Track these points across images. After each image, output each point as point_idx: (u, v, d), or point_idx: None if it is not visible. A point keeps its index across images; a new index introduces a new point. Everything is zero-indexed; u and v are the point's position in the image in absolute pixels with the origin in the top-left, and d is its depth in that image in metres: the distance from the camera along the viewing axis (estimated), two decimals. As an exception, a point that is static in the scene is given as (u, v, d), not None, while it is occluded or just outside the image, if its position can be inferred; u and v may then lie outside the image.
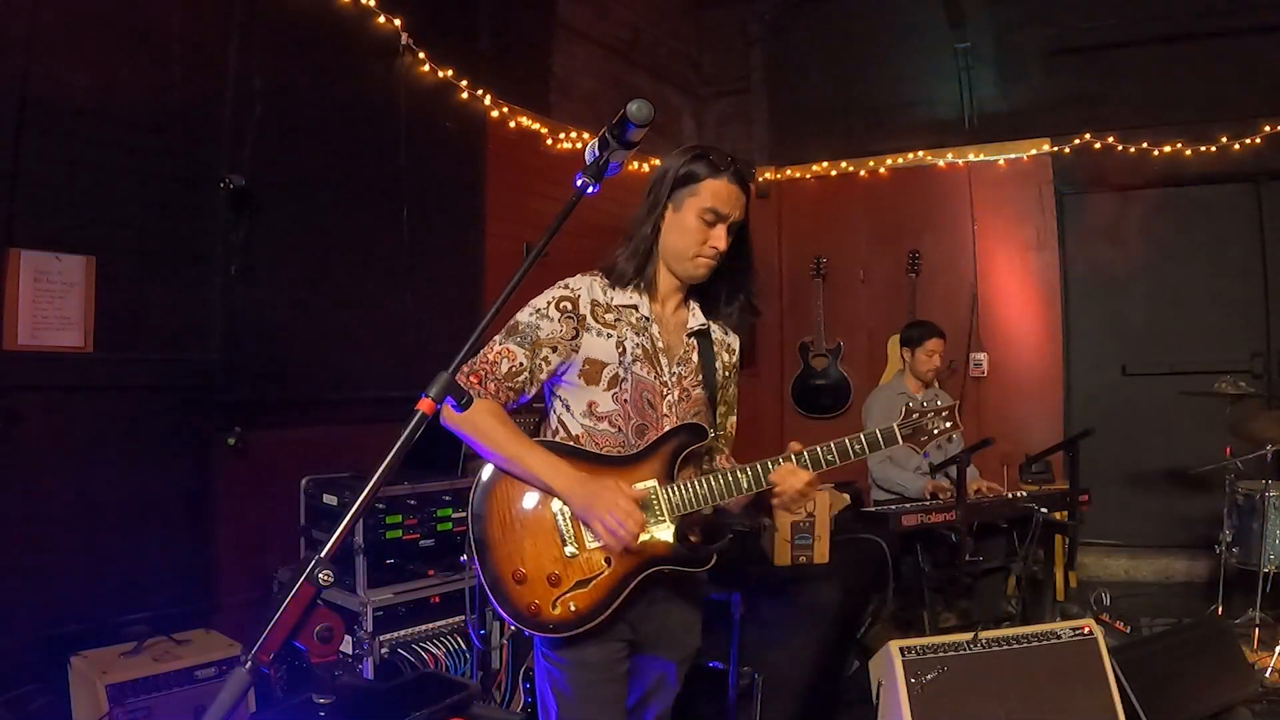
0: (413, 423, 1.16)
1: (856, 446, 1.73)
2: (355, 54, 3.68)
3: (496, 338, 1.72)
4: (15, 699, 2.42)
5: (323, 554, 0.98)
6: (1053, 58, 5.31)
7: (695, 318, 1.86)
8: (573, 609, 1.62)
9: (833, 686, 3.07)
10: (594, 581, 1.63)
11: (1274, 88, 4.77)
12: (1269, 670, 3.35)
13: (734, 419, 1.99)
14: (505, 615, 1.64)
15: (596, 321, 1.74)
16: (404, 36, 3.84)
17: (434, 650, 3.05)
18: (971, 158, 5.45)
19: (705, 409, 1.84)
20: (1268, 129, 4.75)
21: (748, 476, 1.70)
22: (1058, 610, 3.97)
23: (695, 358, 1.84)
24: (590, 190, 1.35)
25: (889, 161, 5.70)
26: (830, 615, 2.91)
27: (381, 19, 3.75)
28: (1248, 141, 4.81)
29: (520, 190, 4.50)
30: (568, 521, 1.65)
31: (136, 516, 2.91)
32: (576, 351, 1.73)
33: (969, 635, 2.64)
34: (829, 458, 1.73)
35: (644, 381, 1.75)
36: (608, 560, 1.64)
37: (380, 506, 2.98)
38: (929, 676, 2.55)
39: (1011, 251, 5.38)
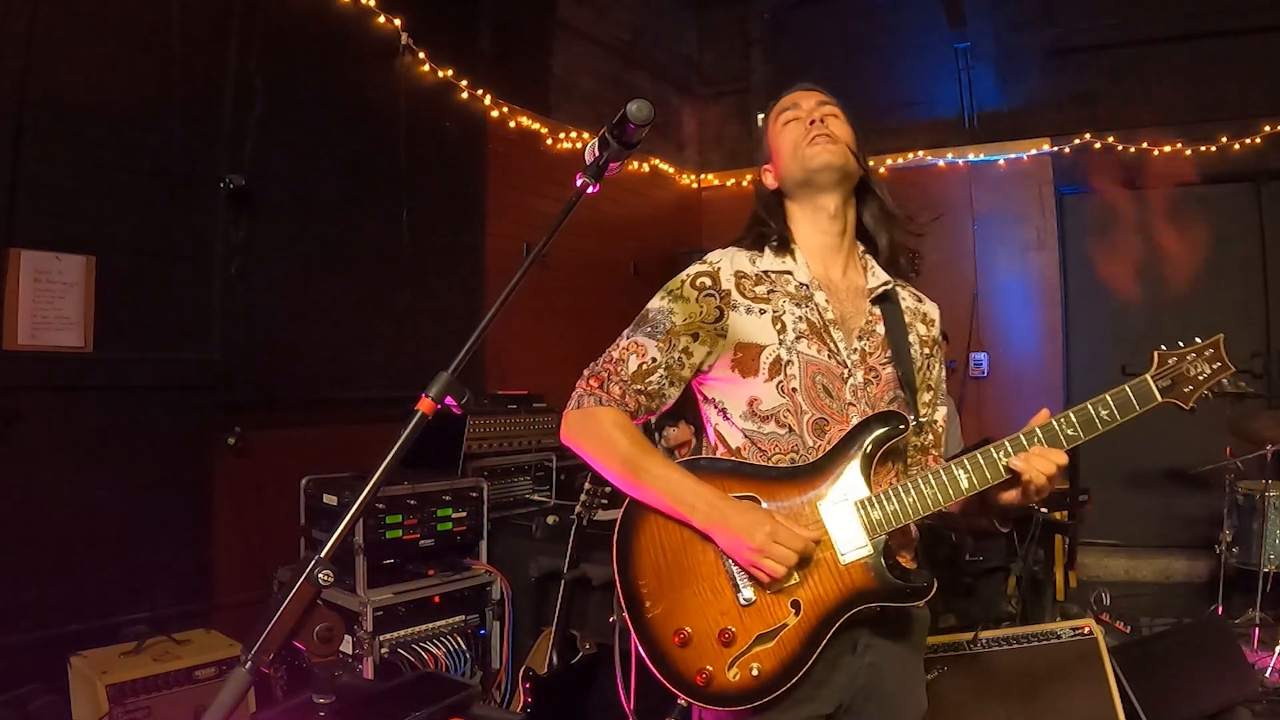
0: (413, 423, 1.16)
1: (1104, 412, 1.32)
2: (355, 54, 3.68)
3: (624, 332, 1.44)
4: (15, 699, 2.42)
5: (323, 554, 0.98)
6: (1053, 58, 5.32)
7: (874, 276, 1.51)
8: (755, 672, 1.26)
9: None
10: (780, 634, 1.27)
11: (1274, 88, 4.77)
12: (1269, 670, 3.35)
13: (944, 410, 1.60)
14: (670, 686, 1.29)
15: (744, 296, 1.42)
16: (404, 36, 3.85)
17: (434, 650, 3.05)
18: (971, 158, 5.45)
19: (902, 392, 1.45)
20: (1268, 129, 4.75)
21: (969, 472, 1.31)
22: (1058, 610, 3.97)
23: (880, 329, 1.47)
24: (590, 190, 1.35)
25: (889, 161, 5.70)
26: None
27: (381, 19, 3.75)
28: (1248, 141, 4.81)
29: (520, 190, 4.50)
30: None
31: (136, 516, 2.91)
32: (724, 336, 1.40)
33: (969, 635, 2.64)
34: (1070, 431, 1.31)
35: (816, 362, 1.40)
36: (795, 606, 1.28)
37: (380, 506, 2.98)
38: (929, 676, 2.55)
39: (1011, 251, 5.38)
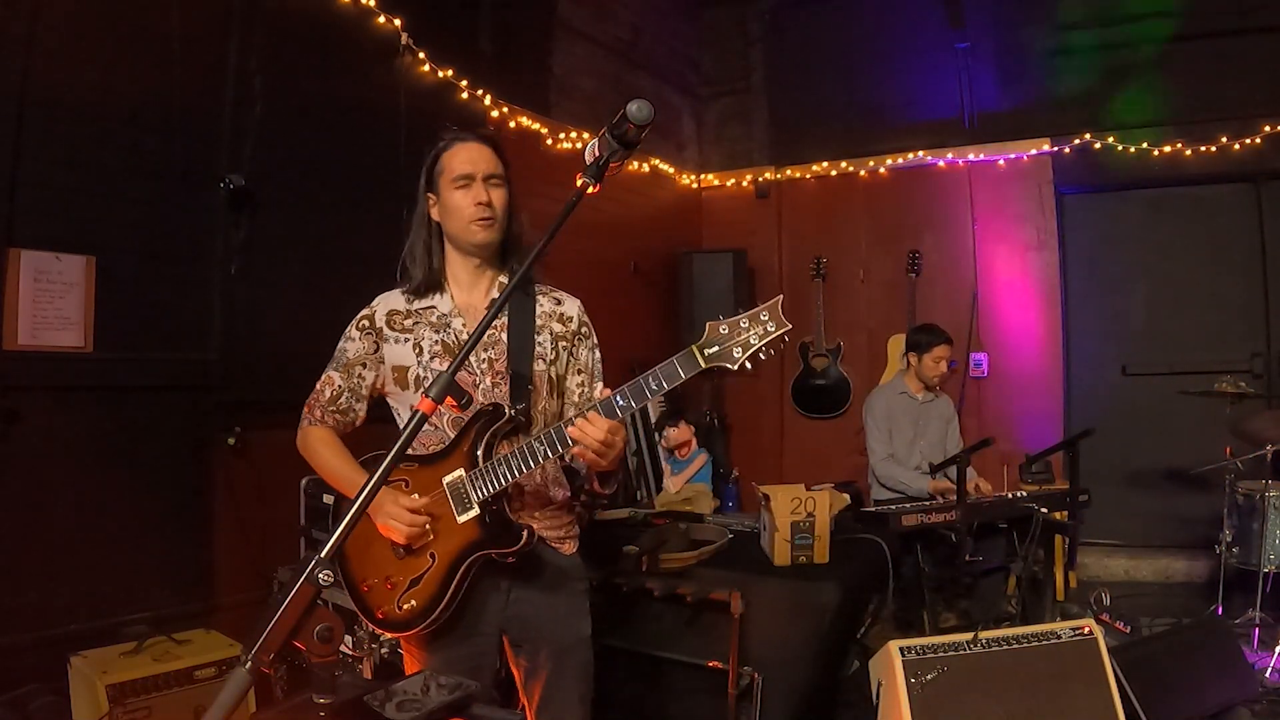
0: (413, 423, 1.16)
1: (653, 383, 1.56)
2: (355, 54, 3.68)
3: (326, 368, 1.89)
4: (15, 699, 2.42)
5: (323, 554, 0.98)
6: (1053, 58, 5.32)
7: (493, 293, 1.88)
8: (413, 605, 1.71)
9: (833, 686, 3.07)
10: (424, 577, 1.71)
11: (1274, 88, 4.77)
12: (1269, 670, 3.35)
13: (600, 385, 1.93)
14: (368, 621, 1.77)
15: (393, 329, 1.85)
16: (404, 36, 3.84)
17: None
18: (971, 158, 5.45)
19: (513, 383, 1.81)
20: (1268, 129, 4.75)
21: (543, 444, 1.65)
22: (1058, 610, 3.97)
23: (504, 337, 1.84)
24: (591, 190, 1.35)
25: (889, 161, 5.70)
26: (830, 615, 2.90)
27: (381, 19, 3.75)
28: (1248, 141, 4.81)
29: (520, 190, 4.47)
30: None
31: (136, 516, 2.90)
32: (383, 363, 1.85)
33: (969, 635, 2.64)
34: (622, 402, 1.59)
35: None
36: (432, 556, 1.71)
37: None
38: (929, 676, 2.55)
39: (1011, 251, 5.38)
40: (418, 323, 1.86)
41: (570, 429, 1.61)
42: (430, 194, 1.89)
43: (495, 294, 1.88)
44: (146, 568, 2.91)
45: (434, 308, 1.87)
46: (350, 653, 2.89)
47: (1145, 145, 5.03)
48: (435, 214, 1.89)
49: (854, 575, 3.10)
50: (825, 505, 3.06)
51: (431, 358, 1.82)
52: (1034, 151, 5.30)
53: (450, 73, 4.10)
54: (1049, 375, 5.30)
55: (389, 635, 1.79)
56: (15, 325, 2.64)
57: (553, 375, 1.88)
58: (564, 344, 1.91)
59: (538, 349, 1.86)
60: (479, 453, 1.71)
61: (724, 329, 1.55)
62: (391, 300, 1.91)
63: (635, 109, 1.27)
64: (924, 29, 5.59)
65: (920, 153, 5.59)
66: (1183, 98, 5.00)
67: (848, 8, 5.89)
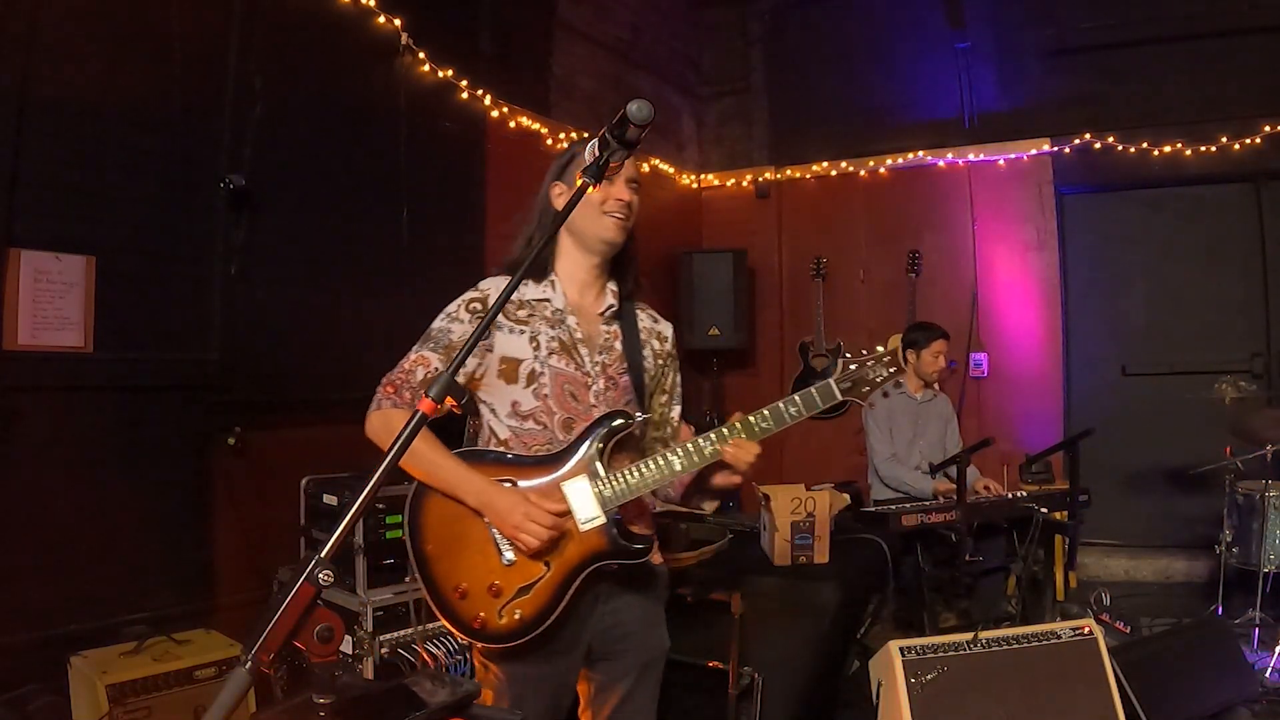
0: (413, 423, 1.16)
1: (792, 409, 1.66)
2: (355, 54, 3.68)
3: (414, 347, 1.74)
4: (15, 699, 2.42)
5: (323, 554, 0.98)
6: (1053, 58, 5.32)
7: (606, 301, 1.83)
8: (519, 616, 1.60)
9: (833, 686, 3.07)
10: (535, 586, 1.60)
11: (1274, 88, 4.77)
12: (1269, 670, 3.35)
13: (679, 408, 1.95)
14: (453, 629, 1.63)
15: (508, 319, 1.73)
16: (404, 36, 3.85)
17: (434, 650, 3.04)
18: (971, 158, 5.45)
19: (635, 397, 1.80)
20: (1268, 129, 4.75)
21: (682, 458, 1.64)
22: (1058, 610, 3.97)
23: (618, 345, 1.81)
24: (591, 190, 1.35)
25: (889, 161, 5.70)
26: (830, 615, 2.90)
27: (381, 19, 3.75)
28: (1248, 141, 4.81)
29: (520, 190, 4.46)
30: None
31: (136, 516, 2.90)
32: (491, 352, 1.72)
33: (969, 635, 2.64)
34: (764, 424, 1.66)
35: (564, 374, 1.72)
36: (547, 564, 1.61)
37: (380, 506, 2.97)
38: (929, 676, 2.55)
39: (1011, 251, 5.38)
40: (533, 314, 1.75)
41: (724, 448, 1.62)
42: (558, 182, 1.81)
43: (609, 301, 1.83)
44: (146, 568, 2.91)
45: (548, 301, 1.77)
46: (350, 653, 2.89)
47: (1145, 145, 5.03)
48: (559, 203, 1.79)
49: (854, 575, 3.11)
50: (825, 505, 3.06)
51: (549, 354, 1.73)
52: (1034, 151, 5.30)
53: (450, 73, 4.10)
54: (1049, 375, 5.30)
55: (479, 645, 1.66)
56: (15, 325, 2.64)
57: (650, 391, 1.87)
58: (660, 362, 1.88)
59: (644, 361, 1.83)
60: (603, 459, 1.65)
61: (853, 366, 1.71)
62: (502, 286, 1.71)
63: (635, 109, 1.27)
64: (924, 29, 5.59)
65: (920, 153, 5.59)
66: (1183, 98, 5.00)
67: (848, 8, 5.89)
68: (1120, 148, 5.09)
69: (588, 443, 1.66)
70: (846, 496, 3.90)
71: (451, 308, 1.75)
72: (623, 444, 1.71)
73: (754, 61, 6.22)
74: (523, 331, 1.73)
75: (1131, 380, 5.30)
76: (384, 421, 1.68)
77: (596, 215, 1.73)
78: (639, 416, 1.73)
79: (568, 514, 1.61)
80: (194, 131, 3.10)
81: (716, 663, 2.67)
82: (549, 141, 4.73)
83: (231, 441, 3.17)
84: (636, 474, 1.64)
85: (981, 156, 5.42)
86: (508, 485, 1.64)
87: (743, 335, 5.62)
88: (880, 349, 1.73)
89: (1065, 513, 3.85)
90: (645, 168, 5.61)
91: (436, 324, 1.74)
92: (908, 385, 4.26)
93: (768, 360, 6.02)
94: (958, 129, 5.56)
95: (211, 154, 3.15)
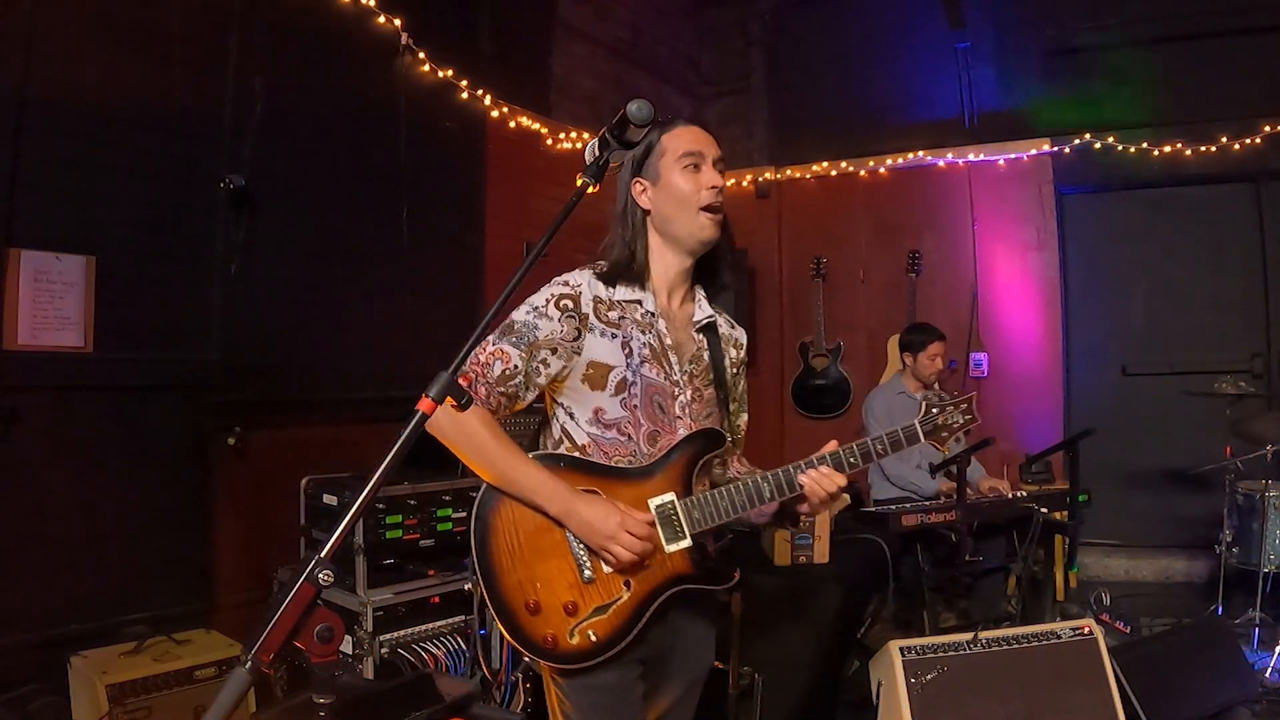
0: (413, 423, 1.16)
1: (879, 446, 1.61)
2: (355, 54, 3.68)
3: (490, 337, 1.57)
4: (15, 699, 2.42)
5: (323, 554, 0.98)
6: (1053, 58, 5.32)
7: (702, 309, 1.72)
8: (593, 638, 1.49)
9: (833, 686, 3.07)
10: (614, 607, 1.50)
11: (1274, 88, 4.77)
12: (1269, 670, 3.35)
13: (745, 416, 1.87)
14: (519, 647, 1.50)
15: (600, 320, 1.59)
16: (404, 36, 3.85)
17: (434, 650, 3.05)
18: (971, 158, 5.45)
19: (718, 409, 1.71)
20: (1268, 129, 4.75)
21: (770, 484, 1.58)
22: (1058, 610, 3.97)
23: (706, 355, 1.70)
24: (591, 190, 1.35)
25: (889, 161, 5.70)
26: (830, 615, 2.91)
27: (381, 19, 3.75)
28: (1248, 141, 4.80)
29: (520, 190, 4.50)
30: (583, 544, 1.51)
31: (136, 516, 2.91)
32: (579, 354, 1.57)
33: (969, 635, 2.64)
34: (851, 460, 1.60)
35: (654, 384, 1.61)
36: (627, 584, 1.51)
37: (380, 506, 2.98)
38: (929, 676, 2.55)
39: (1011, 251, 5.38)
40: (624, 317, 1.61)
41: (802, 477, 1.57)
42: (639, 180, 1.64)
43: (702, 309, 1.72)
44: (146, 568, 2.91)
45: (638, 303, 1.63)
46: (350, 653, 2.89)
47: (1145, 145, 5.03)
48: (645, 201, 1.64)
49: (854, 575, 3.11)
50: (825, 505, 3.06)
51: (641, 361, 1.60)
52: (1034, 151, 5.30)
53: (450, 73, 4.10)
54: (1049, 375, 5.30)
55: (544, 663, 1.53)
56: (15, 325, 2.64)
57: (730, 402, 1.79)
58: (734, 369, 1.80)
59: (725, 373, 1.74)
60: (693, 478, 1.58)
61: (935, 410, 1.67)
62: (596, 286, 1.62)
63: (635, 109, 1.27)
64: (924, 29, 5.59)
65: (920, 153, 5.59)
66: (1183, 98, 5.00)
67: (848, 8, 5.89)
68: (1120, 148, 5.08)
69: (677, 459, 1.58)
70: (847, 496, 3.90)
71: (538, 300, 1.58)
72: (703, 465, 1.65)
73: (754, 61, 6.22)
74: (614, 335, 1.59)
75: (1131, 380, 5.29)
76: (454, 419, 1.49)
77: (691, 213, 1.60)
78: (728, 439, 1.67)
79: (653, 532, 1.53)
80: (194, 131, 3.10)
81: (717, 662, 2.67)
82: (549, 141, 4.73)
83: (231, 441, 3.17)
84: (725, 498, 1.56)
85: (981, 156, 5.42)
86: (592, 494, 1.53)
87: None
88: (958, 395, 1.72)
89: (1065, 513, 3.85)
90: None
91: (520, 316, 1.57)
92: (907, 385, 4.27)
93: (768, 360, 6.02)
94: (958, 129, 5.56)
95: (211, 154, 3.16)
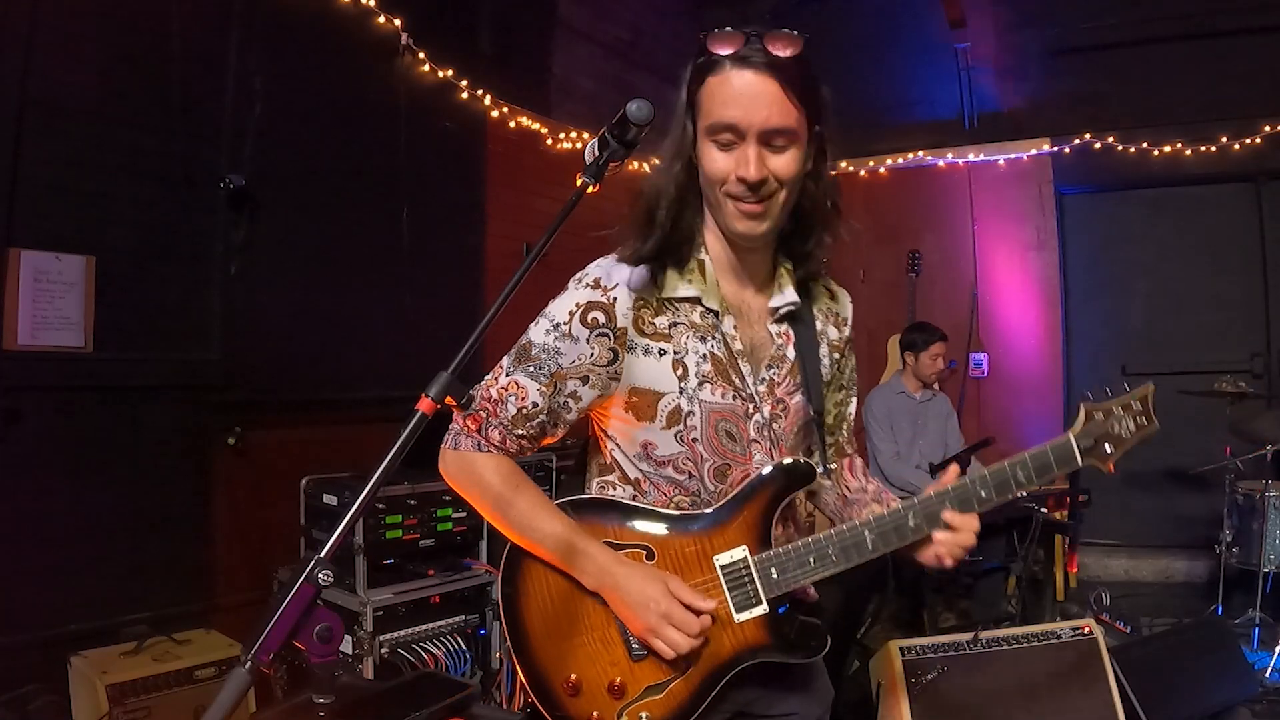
0: (412, 423, 1.15)
1: (1020, 475, 1.26)
2: (355, 54, 3.68)
3: (503, 362, 1.27)
4: (15, 699, 2.42)
5: (323, 554, 0.98)
6: (1053, 58, 5.32)
7: (783, 294, 1.32)
8: (645, 718, 1.23)
9: (833, 686, 3.06)
10: (670, 687, 1.22)
11: (1274, 88, 4.77)
12: (1269, 670, 3.35)
13: (854, 404, 1.50)
14: None
15: (642, 334, 1.24)
16: (404, 36, 3.85)
17: (434, 650, 3.05)
18: (971, 158, 5.45)
19: (809, 422, 1.34)
20: (1268, 129, 4.75)
21: (874, 535, 1.26)
22: (1058, 610, 3.97)
23: (791, 352, 1.32)
24: (590, 190, 1.34)
25: (889, 161, 5.70)
26: (830, 615, 2.90)
27: (381, 19, 3.75)
28: (1248, 141, 4.81)
29: (520, 190, 4.50)
30: None
31: (136, 516, 2.91)
32: (617, 380, 1.25)
33: (969, 635, 2.64)
34: (984, 493, 1.27)
35: (719, 409, 1.27)
36: (689, 659, 1.21)
37: (380, 506, 2.98)
38: (929, 676, 2.55)
39: (1011, 251, 5.38)
40: (676, 323, 1.25)
41: (937, 532, 1.27)
42: (690, 123, 1.25)
43: (786, 296, 1.32)
44: (146, 568, 2.91)
45: (695, 300, 1.26)
46: (350, 653, 2.89)
47: (1145, 145, 5.03)
48: (696, 161, 1.25)
49: (854, 575, 3.10)
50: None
51: (700, 383, 1.25)
52: (1034, 151, 5.31)
53: (450, 73, 4.10)
54: (1049, 375, 5.30)
55: None
56: (15, 325, 2.64)
57: (826, 407, 1.39)
58: (836, 354, 1.41)
59: (821, 365, 1.36)
60: (771, 526, 1.25)
61: (1099, 414, 1.32)
62: (633, 284, 1.24)
63: (635, 109, 1.23)
64: (924, 29, 5.59)
65: (920, 153, 5.59)
66: (1183, 98, 5.00)
67: (848, 7, 5.89)
68: (1120, 148, 5.09)
69: (751, 501, 1.25)
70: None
71: (558, 315, 1.25)
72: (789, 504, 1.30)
73: (754, 61, 6.22)
74: (663, 353, 1.25)
75: (1132, 380, 5.28)
76: (465, 468, 1.27)
77: (717, 201, 1.23)
78: (819, 469, 1.30)
79: (721, 601, 1.23)
80: (194, 131, 3.10)
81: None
82: (549, 141, 4.73)
83: (231, 441, 3.18)
84: (814, 554, 1.25)
85: (981, 157, 5.42)
86: (639, 552, 1.24)
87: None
88: (1127, 388, 1.34)
89: (1065, 513, 3.85)
90: (645, 168, 5.60)
91: (538, 337, 1.25)
92: (907, 385, 4.27)
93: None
94: (958, 129, 5.57)
95: (211, 154, 3.16)
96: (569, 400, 1.25)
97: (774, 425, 1.30)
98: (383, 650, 2.91)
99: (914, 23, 5.65)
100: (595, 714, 1.22)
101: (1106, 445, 1.28)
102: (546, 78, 4.95)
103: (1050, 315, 5.32)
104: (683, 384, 1.25)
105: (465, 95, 4.21)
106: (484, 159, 4.37)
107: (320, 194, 3.54)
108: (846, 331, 1.43)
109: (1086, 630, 2.69)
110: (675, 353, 1.25)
